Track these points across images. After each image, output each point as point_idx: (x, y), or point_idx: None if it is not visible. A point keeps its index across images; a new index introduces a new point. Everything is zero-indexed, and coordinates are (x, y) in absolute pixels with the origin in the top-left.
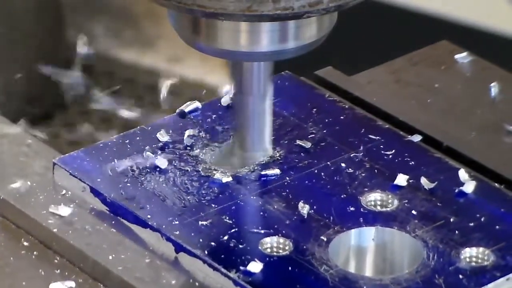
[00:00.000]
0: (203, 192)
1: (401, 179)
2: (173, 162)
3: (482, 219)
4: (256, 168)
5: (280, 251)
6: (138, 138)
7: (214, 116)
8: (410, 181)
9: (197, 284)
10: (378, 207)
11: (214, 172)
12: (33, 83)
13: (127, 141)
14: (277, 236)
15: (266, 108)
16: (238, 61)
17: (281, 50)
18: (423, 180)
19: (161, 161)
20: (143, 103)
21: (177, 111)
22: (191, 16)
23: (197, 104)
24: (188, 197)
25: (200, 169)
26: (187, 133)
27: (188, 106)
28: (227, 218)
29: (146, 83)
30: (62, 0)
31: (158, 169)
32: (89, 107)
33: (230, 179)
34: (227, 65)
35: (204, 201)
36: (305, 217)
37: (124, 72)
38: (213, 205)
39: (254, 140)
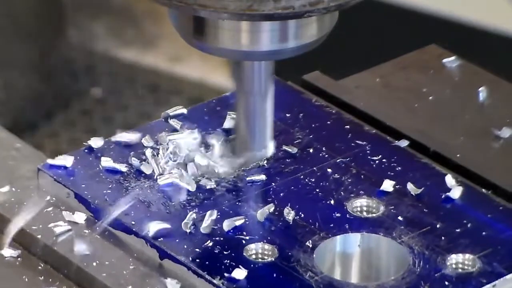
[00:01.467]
0: (188, 198)
1: (388, 185)
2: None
3: (469, 225)
4: (241, 173)
5: (265, 257)
6: (122, 144)
7: (199, 121)
8: (397, 186)
9: None
10: (364, 213)
11: (199, 178)
12: (34, 82)
13: (112, 146)
14: (262, 242)
15: (267, 108)
16: (239, 60)
17: (281, 49)
18: (410, 186)
19: (146, 167)
20: (143, 103)
21: (162, 115)
22: (192, 15)
23: (182, 110)
24: (173, 203)
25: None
26: (169, 138)
27: (173, 111)
28: (212, 224)
29: (147, 83)
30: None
31: (143, 174)
32: (89, 106)
33: (214, 185)
34: (228, 64)
35: (188, 207)
36: (291, 223)
37: (125, 72)
38: (198, 211)
39: (255, 139)
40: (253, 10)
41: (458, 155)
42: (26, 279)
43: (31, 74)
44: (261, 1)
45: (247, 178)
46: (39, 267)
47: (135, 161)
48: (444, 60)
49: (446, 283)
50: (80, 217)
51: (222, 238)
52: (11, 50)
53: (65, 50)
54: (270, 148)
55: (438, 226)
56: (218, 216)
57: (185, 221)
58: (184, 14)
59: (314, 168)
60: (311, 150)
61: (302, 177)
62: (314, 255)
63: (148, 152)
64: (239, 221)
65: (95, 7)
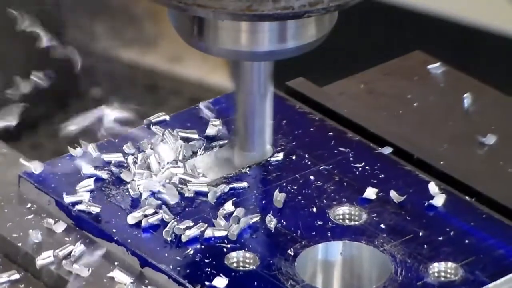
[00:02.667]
0: (169, 205)
1: (370, 193)
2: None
3: (452, 233)
4: (223, 180)
5: (246, 265)
6: (105, 151)
7: (182, 128)
8: (379, 194)
9: None
10: (347, 221)
11: (181, 186)
12: (34, 83)
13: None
14: (243, 250)
15: (267, 108)
16: (239, 61)
17: (281, 49)
18: (393, 194)
19: (126, 175)
20: (143, 103)
21: (145, 122)
22: (191, 15)
23: (165, 117)
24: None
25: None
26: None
27: (156, 118)
28: (193, 232)
29: (146, 83)
30: (63, 0)
31: (123, 182)
32: (89, 106)
33: (192, 193)
34: (228, 64)
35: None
36: (272, 231)
37: (124, 72)
38: (180, 219)
39: (255, 139)
40: (252, 10)
41: (442, 162)
42: (6, 287)
43: (30, 74)
44: (260, 1)
45: (229, 186)
46: (20, 275)
47: (115, 169)
48: (429, 66)
49: None
50: (61, 226)
51: (203, 246)
52: (10, 51)
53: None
54: (269, 148)
55: (420, 234)
56: (202, 227)
57: (166, 229)
58: (184, 15)
59: (297, 176)
60: (294, 157)
61: (284, 184)
62: (295, 263)
63: (130, 160)
64: (221, 232)
65: (94, 7)
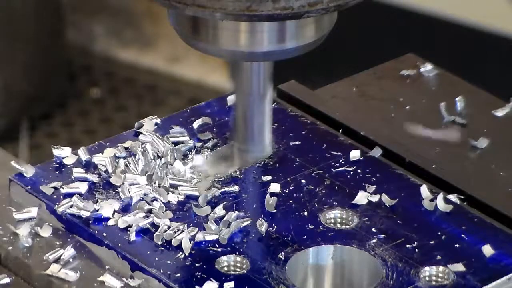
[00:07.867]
0: (160, 209)
1: (362, 196)
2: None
3: (443, 237)
4: (215, 184)
5: (237, 270)
6: (95, 154)
7: (173, 131)
8: (371, 198)
9: None
10: (338, 225)
11: (171, 189)
12: (33, 83)
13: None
14: (234, 254)
15: (266, 108)
16: (238, 61)
17: (280, 50)
18: (384, 197)
19: (116, 178)
20: (142, 103)
21: (136, 126)
22: (191, 15)
23: (156, 120)
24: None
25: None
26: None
27: (147, 121)
28: (184, 236)
29: (145, 83)
30: (62, 0)
31: (114, 186)
32: (88, 107)
33: (182, 198)
34: (227, 65)
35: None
36: (263, 235)
37: (123, 72)
38: (170, 223)
39: (254, 139)
40: (252, 10)
41: (433, 166)
42: None
43: (30, 75)
44: (260, 1)
45: (221, 190)
46: (9, 280)
47: (105, 173)
48: (422, 69)
49: None
50: (47, 231)
51: (193, 250)
52: (10, 51)
53: (64, 51)
54: (269, 148)
55: (412, 238)
56: (193, 231)
57: (156, 233)
58: (183, 15)
59: (288, 179)
60: (285, 161)
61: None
62: (286, 268)
63: (121, 163)
64: (212, 236)
65: (93, 7)
